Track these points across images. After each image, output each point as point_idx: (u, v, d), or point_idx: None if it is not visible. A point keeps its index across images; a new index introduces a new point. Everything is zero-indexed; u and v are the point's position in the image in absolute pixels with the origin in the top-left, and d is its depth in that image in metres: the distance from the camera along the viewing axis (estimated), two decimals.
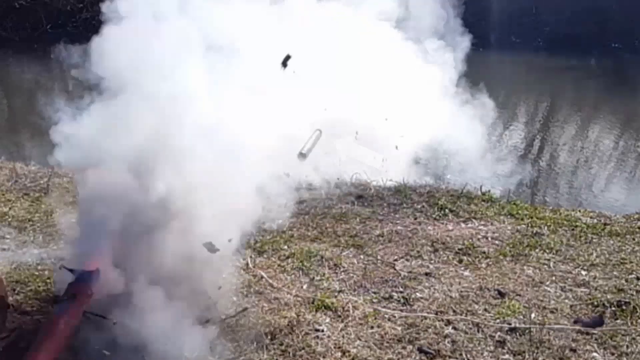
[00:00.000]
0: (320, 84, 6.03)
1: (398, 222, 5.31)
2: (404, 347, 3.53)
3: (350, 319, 3.77)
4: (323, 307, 3.87)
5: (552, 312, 3.93)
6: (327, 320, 3.75)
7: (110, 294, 3.39)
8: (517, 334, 3.69)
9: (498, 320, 3.81)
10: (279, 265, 4.45)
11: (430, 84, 7.69)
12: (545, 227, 5.23)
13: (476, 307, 3.98)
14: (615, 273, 4.47)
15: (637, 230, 5.27)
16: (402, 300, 4.02)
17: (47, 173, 6.13)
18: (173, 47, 3.86)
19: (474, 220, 5.40)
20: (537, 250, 4.82)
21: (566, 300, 4.08)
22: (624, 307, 3.96)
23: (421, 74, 7.56)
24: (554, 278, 4.38)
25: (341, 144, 6.56)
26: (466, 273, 4.44)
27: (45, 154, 4.35)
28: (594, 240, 5.04)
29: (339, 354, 3.45)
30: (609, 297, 4.09)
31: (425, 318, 3.82)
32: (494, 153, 9.17)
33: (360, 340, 3.58)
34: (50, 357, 3.02)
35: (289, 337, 3.55)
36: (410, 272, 4.41)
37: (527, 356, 3.48)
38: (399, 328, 3.70)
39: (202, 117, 3.72)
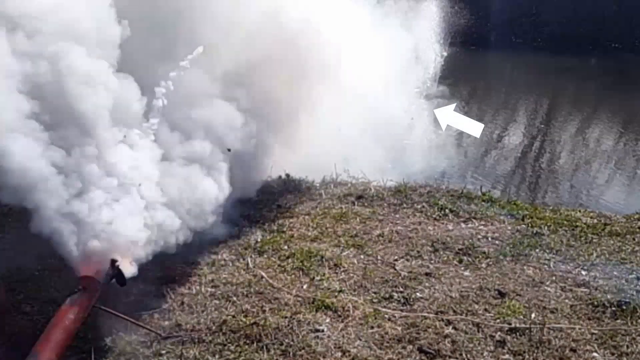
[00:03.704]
0: None
1: (398, 222, 5.31)
2: (404, 347, 3.53)
3: (350, 319, 3.77)
4: (323, 307, 3.87)
5: (552, 312, 3.92)
6: (327, 320, 3.75)
7: None
8: (517, 334, 3.68)
9: (498, 320, 3.81)
10: (279, 265, 4.45)
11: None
12: (545, 227, 5.23)
13: (476, 307, 3.97)
14: (615, 273, 4.47)
15: (637, 230, 5.27)
16: (402, 300, 4.02)
17: None
18: None
19: (474, 220, 5.40)
20: (537, 250, 4.81)
21: (566, 300, 4.08)
22: (624, 307, 3.96)
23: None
24: (554, 278, 4.38)
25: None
26: (466, 273, 4.44)
27: None
28: (594, 240, 5.04)
29: (339, 354, 3.45)
30: (609, 297, 4.09)
31: (426, 318, 3.82)
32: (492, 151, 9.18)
33: (360, 340, 3.58)
34: (57, 348, 3.03)
35: (289, 337, 3.55)
36: (410, 272, 4.41)
37: (527, 356, 3.48)
38: (399, 328, 3.70)
39: None
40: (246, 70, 5.07)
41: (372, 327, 3.70)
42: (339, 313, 3.83)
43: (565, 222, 5.37)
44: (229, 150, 4.79)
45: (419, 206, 5.65)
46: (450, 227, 5.23)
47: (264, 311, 3.81)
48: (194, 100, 4.73)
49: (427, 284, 4.24)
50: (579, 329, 3.75)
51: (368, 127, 7.08)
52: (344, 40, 5.96)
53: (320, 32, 5.57)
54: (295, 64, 5.44)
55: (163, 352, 3.44)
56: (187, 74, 4.60)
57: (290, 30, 5.29)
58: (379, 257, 4.63)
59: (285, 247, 4.72)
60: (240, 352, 3.44)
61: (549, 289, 4.24)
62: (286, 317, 3.73)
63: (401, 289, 4.16)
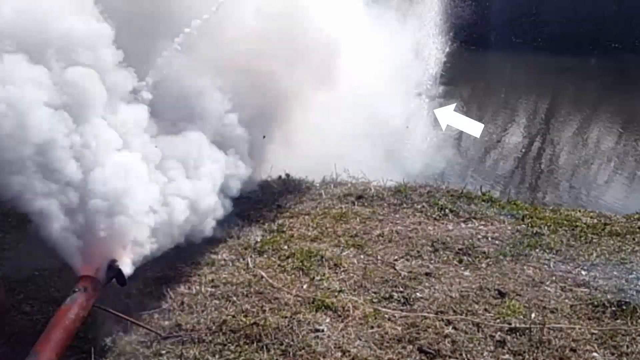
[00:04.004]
0: None
1: (398, 222, 5.31)
2: (404, 347, 3.53)
3: (350, 319, 3.77)
4: (323, 307, 3.87)
5: (552, 312, 3.92)
6: (327, 320, 3.75)
7: None
8: (517, 334, 3.68)
9: (498, 320, 3.81)
10: (279, 265, 4.44)
11: None
12: (545, 227, 5.23)
13: (476, 307, 3.97)
14: (615, 273, 4.47)
15: (637, 230, 5.27)
16: (402, 300, 4.02)
17: None
18: None
19: (474, 220, 5.40)
20: (537, 250, 4.81)
21: (566, 300, 4.08)
22: (624, 307, 3.96)
23: None
24: (554, 278, 4.38)
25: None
26: (466, 273, 4.44)
27: None
28: (594, 240, 5.03)
29: (339, 354, 3.45)
30: (609, 297, 4.09)
31: (426, 318, 3.82)
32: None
33: (360, 340, 3.58)
34: (57, 348, 3.03)
35: (289, 337, 3.55)
36: (410, 272, 4.41)
37: (527, 356, 3.48)
38: (399, 328, 3.70)
39: None
40: (242, 65, 5.07)
41: (372, 327, 3.70)
42: (339, 313, 3.83)
43: (565, 222, 5.37)
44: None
45: (419, 206, 5.65)
46: (450, 227, 5.23)
47: (264, 311, 3.81)
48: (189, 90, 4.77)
49: (427, 284, 4.24)
50: (579, 329, 3.75)
51: (368, 127, 7.08)
52: (345, 39, 5.96)
53: (320, 30, 5.56)
54: (293, 61, 5.43)
55: (163, 352, 3.44)
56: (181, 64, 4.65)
57: (289, 27, 5.28)
58: (379, 257, 4.63)
59: (285, 247, 4.72)
60: (240, 352, 3.44)
61: (549, 289, 4.24)
62: (286, 317, 3.73)
63: (401, 289, 4.16)
